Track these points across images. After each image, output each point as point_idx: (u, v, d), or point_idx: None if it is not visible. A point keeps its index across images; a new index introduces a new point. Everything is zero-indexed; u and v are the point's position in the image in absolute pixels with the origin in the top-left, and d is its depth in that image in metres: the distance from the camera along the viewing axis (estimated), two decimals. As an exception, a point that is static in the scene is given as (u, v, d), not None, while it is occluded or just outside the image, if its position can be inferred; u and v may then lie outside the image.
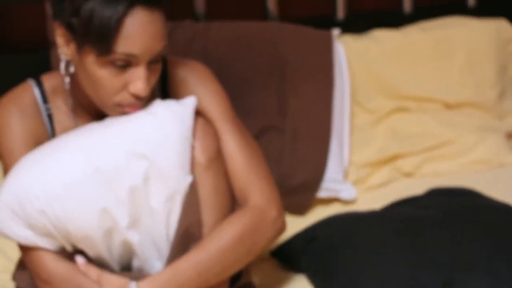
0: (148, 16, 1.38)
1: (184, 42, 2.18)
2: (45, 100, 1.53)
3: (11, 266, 1.80)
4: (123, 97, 1.42)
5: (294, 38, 2.26)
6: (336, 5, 2.46)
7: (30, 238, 1.45)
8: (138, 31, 1.37)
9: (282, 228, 1.57)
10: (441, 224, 1.74)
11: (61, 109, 1.55)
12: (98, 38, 1.36)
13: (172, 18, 2.21)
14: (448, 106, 2.40)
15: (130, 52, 1.38)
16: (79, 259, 1.47)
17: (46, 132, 1.54)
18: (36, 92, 1.53)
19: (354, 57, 2.36)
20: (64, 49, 1.44)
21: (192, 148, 1.49)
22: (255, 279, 1.88)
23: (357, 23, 2.46)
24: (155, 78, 1.45)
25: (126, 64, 1.40)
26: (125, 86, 1.42)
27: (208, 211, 1.51)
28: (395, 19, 2.48)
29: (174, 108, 1.47)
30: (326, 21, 2.42)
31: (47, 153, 1.45)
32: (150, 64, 1.42)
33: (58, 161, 1.43)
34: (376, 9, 2.53)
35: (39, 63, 2.23)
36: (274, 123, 2.13)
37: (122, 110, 1.44)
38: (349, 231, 1.76)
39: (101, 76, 1.40)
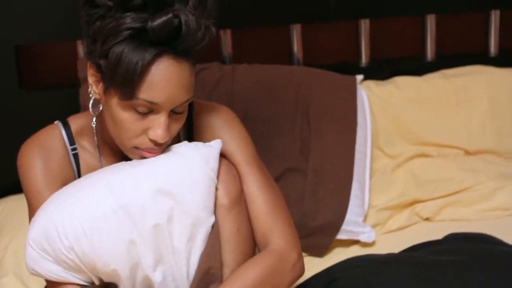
0: (174, 66, 1.40)
1: (211, 84, 2.23)
2: (71, 141, 1.58)
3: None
4: (142, 141, 1.46)
5: (318, 81, 2.31)
6: (360, 52, 2.50)
7: (60, 273, 1.49)
8: (163, 80, 1.39)
9: (301, 271, 1.59)
10: (459, 270, 1.75)
11: (87, 149, 1.59)
12: (123, 82, 1.39)
13: (199, 60, 2.30)
14: (468, 153, 2.43)
15: (152, 100, 1.40)
16: None
17: (73, 172, 1.58)
18: (63, 133, 1.58)
19: (377, 102, 2.40)
20: (94, 88, 1.48)
21: (216, 189, 1.52)
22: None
23: (380, 70, 2.51)
24: (178, 127, 1.48)
25: (148, 110, 1.43)
26: (145, 131, 1.45)
27: (230, 253, 1.54)
28: (417, 66, 2.52)
29: (200, 150, 1.51)
30: (350, 68, 2.47)
31: (74, 191, 1.49)
32: (173, 113, 1.45)
33: (85, 198, 1.46)
34: (399, 57, 2.57)
35: (68, 99, 2.29)
36: (297, 165, 2.17)
37: (140, 153, 1.48)
38: (368, 274, 1.77)
39: (123, 119, 1.43)
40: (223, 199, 1.53)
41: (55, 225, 1.45)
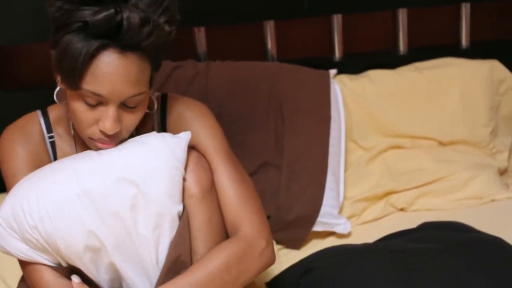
0: (119, 60, 1.43)
1: (185, 81, 2.26)
2: (49, 129, 1.64)
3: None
4: (95, 132, 1.50)
5: (292, 77, 2.34)
6: (333, 47, 2.54)
7: (27, 252, 1.54)
8: (106, 73, 1.43)
9: (270, 259, 1.62)
10: (431, 257, 1.79)
11: (63, 137, 1.65)
12: (68, 72, 1.43)
13: (174, 58, 2.33)
14: (442, 144, 2.47)
15: (95, 91, 1.44)
16: (74, 278, 1.55)
17: (49, 158, 1.65)
18: (42, 121, 1.64)
19: (350, 96, 2.43)
20: (56, 77, 1.53)
21: (186, 180, 1.56)
22: (252, 309, 1.95)
23: (354, 64, 2.54)
24: (132, 120, 1.51)
25: (97, 102, 1.46)
26: (96, 122, 1.49)
27: (200, 241, 1.58)
28: (390, 60, 2.55)
29: (167, 140, 1.55)
30: (323, 62, 2.50)
31: (43, 174, 1.54)
32: (125, 107, 1.48)
33: (52, 182, 1.52)
34: (372, 51, 2.61)
35: (47, 99, 2.31)
36: (271, 160, 2.20)
37: (95, 144, 1.52)
38: (342, 264, 1.81)
39: (75, 109, 1.48)
40: (194, 189, 1.56)
41: (22, 204, 1.51)
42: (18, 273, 1.72)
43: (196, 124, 1.65)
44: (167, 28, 1.46)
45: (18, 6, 2.28)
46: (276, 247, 2.14)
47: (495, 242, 1.90)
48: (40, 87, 2.40)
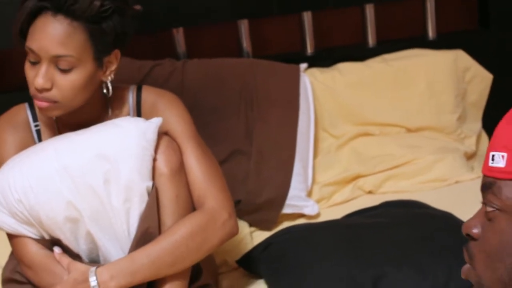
0: (51, 21, 1.66)
1: (162, 78, 2.42)
2: (35, 118, 1.83)
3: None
4: (33, 90, 1.71)
5: (263, 71, 2.49)
6: (305, 42, 2.69)
7: (13, 225, 1.74)
8: (37, 30, 1.67)
9: (233, 229, 1.82)
10: (380, 229, 1.95)
11: (48, 125, 1.84)
12: (18, 30, 1.69)
13: (155, 58, 2.50)
14: (410, 131, 2.61)
15: (29, 46, 1.68)
16: (56, 249, 1.75)
17: (35, 144, 1.83)
18: (28, 112, 1.84)
19: (321, 88, 2.57)
20: None
21: (156, 160, 1.75)
22: (224, 284, 2.11)
23: (325, 58, 2.68)
24: (66, 84, 1.70)
25: (35, 60, 1.68)
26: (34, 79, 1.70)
27: (168, 215, 1.77)
28: (360, 53, 2.68)
29: (139, 123, 1.75)
30: (296, 58, 2.63)
31: (27, 154, 1.75)
32: (59, 69, 1.68)
33: (34, 159, 1.72)
34: (342, 45, 2.75)
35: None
36: (241, 147, 2.37)
37: (36, 103, 1.72)
38: (298, 238, 1.98)
39: (25, 67, 1.71)
40: (164, 169, 1.76)
41: (8, 180, 1.71)
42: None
43: (168, 112, 1.84)
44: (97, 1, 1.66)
45: (5, 11, 2.43)
46: (249, 229, 2.30)
47: (445, 217, 2.04)
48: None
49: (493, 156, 1.03)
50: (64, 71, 1.69)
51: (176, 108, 1.87)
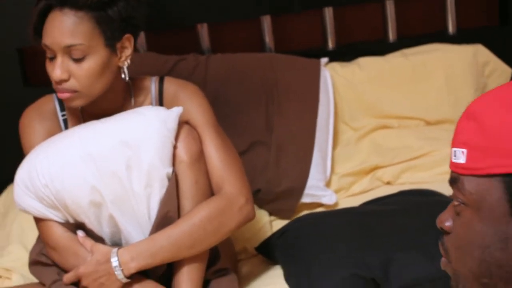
0: (59, 15, 1.76)
1: (187, 72, 2.50)
2: (62, 108, 1.93)
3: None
4: (54, 83, 1.80)
5: (284, 65, 2.57)
6: (327, 38, 2.76)
7: (41, 210, 1.83)
8: (48, 26, 1.77)
9: (249, 214, 1.89)
10: (392, 216, 2.01)
11: (74, 115, 1.94)
12: (35, 29, 1.80)
13: (180, 53, 2.59)
14: (429, 124, 2.66)
15: (44, 42, 1.77)
16: (79, 232, 1.84)
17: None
18: (56, 102, 1.94)
19: (341, 81, 2.64)
20: None
21: (177, 148, 1.83)
22: (243, 270, 2.18)
23: (347, 54, 2.74)
24: (82, 72, 1.78)
25: (52, 55, 1.78)
26: None
27: (187, 200, 1.85)
28: (381, 48, 2.75)
29: (160, 112, 1.84)
30: (318, 53, 2.70)
31: (52, 141, 1.84)
32: (72, 59, 1.77)
33: (60, 146, 1.81)
34: (363, 40, 2.81)
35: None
36: (261, 138, 2.44)
37: (58, 95, 1.82)
38: (311, 224, 2.04)
39: (46, 65, 1.81)
40: (184, 156, 1.84)
41: (35, 166, 1.80)
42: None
43: (189, 102, 1.93)
44: None
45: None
46: (269, 218, 2.37)
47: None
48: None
49: (455, 152, 1.06)
50: (78, 60, 1.78)
51: (197, 98, 1.95)
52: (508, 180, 1.00)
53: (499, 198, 1.01)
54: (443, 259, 1.11)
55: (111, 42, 1.81)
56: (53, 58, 1.79)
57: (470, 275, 1.06)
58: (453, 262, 1.09)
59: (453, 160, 1.07)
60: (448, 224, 1.09)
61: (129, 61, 1.86)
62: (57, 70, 1.77)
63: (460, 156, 1.05)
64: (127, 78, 1.87)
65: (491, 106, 1.04)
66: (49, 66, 1.81)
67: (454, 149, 1.07)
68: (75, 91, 1.80)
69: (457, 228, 1.07)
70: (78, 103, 1.82)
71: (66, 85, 1.79)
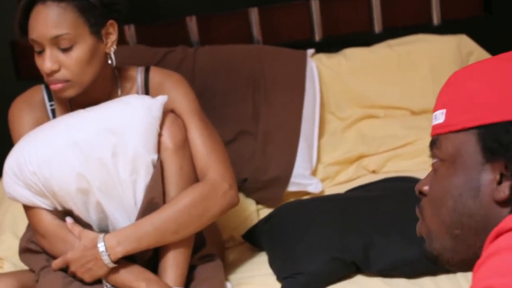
0: (42, 8, 1.80)
1: (175, 64, 2.55)
2: (50, 98, 1.97)
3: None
4: (45, 75, 1.85)
5: (271, 57, 2.61)
6: (313, 29, 2.80)
7: (29, 197, 1.88)
8: (34, 20, 1.82)
9: (233, 200, 1.94)
10: (373, 201, 2.06)
11: (62, 104, 1.98)
12: (20, 25, 1.84)
13: (168, 46, 2.63)
14: (414, 113, 2.70)
15: (30, 37, 1.82)
16: (68, 219, 1.89)
17: None
18: (44, 93, 1.98)
19: (328, 72, 2.68)
20: None
21: (162, 135, 1.89)
22: (230, 258, 2.23)
23: (333, 45, 2.79)
24: (72, 61, 1.83)
25: (40, 49, 1.82)
26: None
27: (172, 186, 1.90)
28: (367, 39, 2.79)
29: (145, 100, 1.89)
30: (305, 45, 2.74)
31: (40, 130, 1.89)
32: (60, 50, 1.81)
33: (48, 134, 1.86)
34: (349, 32, 2.86)
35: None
36: (248, 128, 2.49)
37: (51, 88, 1.86)
38: (296, 210, 2.10)
39: (35, 59, 1.85)
40: (169, 143, 1.89)
41: (23, 154, 1.85)
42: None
43: (174, 91, 1.98)
44: None
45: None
46: (256, 206, 2.42)
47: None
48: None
49: (435, 115, 1.10)
50: (66, 50, 1.82)
51: (182, 87, 2.00)
52: (482, 132, 1.03)
53: (473, 149, 1.05)
54: (418, 223, 1.13)
55: (96, 29, 1.86)
56: (41, 52, 1.83)
57: (442, 228, 1.08)
58: (427, 219, 1.11)
59: (433, 124, 1.11)
60: (426, 187, 1.13)
61: (115, 46, 1.90)
62: (47, 62, 1.82)
63: (440, 117, 1.09)
64: (114, 64, 1.92)
65: (470, 73, 1.09)
66: (38, 60, 1.85)
67: (434, 113, 1.11)
68: (67, 81, 1.84)
69: (433, 185, 1.10)
70: (71, 92, 1.86)
71: (57, 76, 1.84)
